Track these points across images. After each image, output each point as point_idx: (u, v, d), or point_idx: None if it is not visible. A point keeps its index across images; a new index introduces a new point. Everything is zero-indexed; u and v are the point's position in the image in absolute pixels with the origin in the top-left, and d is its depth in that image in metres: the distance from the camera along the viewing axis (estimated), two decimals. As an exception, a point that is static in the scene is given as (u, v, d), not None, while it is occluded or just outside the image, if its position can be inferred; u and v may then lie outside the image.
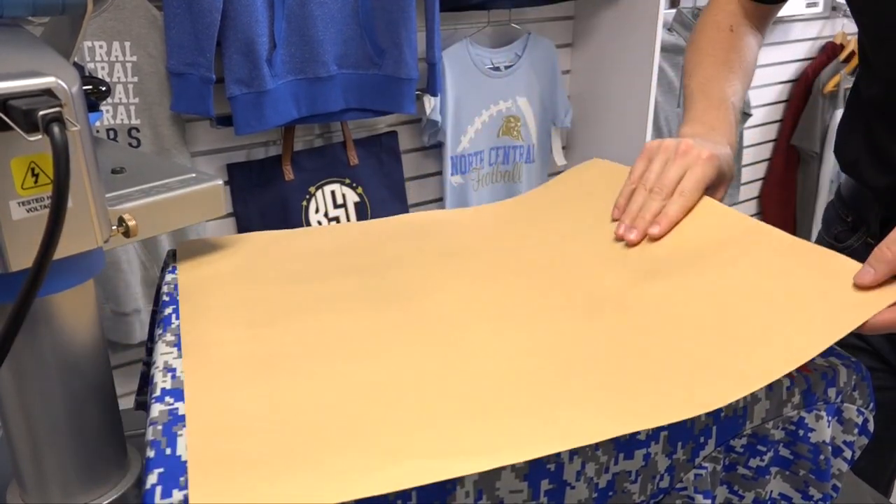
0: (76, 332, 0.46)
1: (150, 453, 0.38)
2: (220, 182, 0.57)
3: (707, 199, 0.60)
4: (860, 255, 0.74)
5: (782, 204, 2.34)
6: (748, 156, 2.23)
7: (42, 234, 0.35)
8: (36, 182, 0.39)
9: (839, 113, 1.91)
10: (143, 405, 0.69)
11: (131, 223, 0.48)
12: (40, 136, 0.36)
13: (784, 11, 2.05)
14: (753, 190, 2.34)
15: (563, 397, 0.43)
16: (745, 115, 2.04)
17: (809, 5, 2.11)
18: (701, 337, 0.47)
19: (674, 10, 1.82)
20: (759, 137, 2.29)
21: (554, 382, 0.44)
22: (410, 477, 0.36)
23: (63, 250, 0.41)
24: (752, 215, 2.65)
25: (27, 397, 0.46)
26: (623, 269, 0.57)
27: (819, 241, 0.84)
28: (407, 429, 0.40)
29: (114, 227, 0.48)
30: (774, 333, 0.45)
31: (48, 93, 0.38)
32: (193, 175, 0.58)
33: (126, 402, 0.64)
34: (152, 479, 0.36)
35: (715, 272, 0.52)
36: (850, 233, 0.79)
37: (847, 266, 0.48)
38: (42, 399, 0.46)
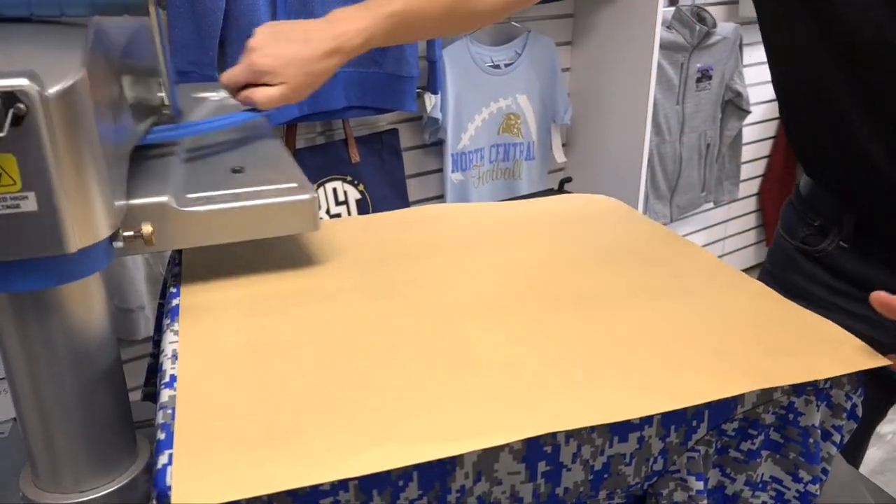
0: (87, 320, 0.48)
1: (161, 436, 0.40)
2: (311, 195, 0.56)
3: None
4: (835, 259, 0.74)
5: (781, 201, 2.35)
6: (747, 153, 2.24)
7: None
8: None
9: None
10: (149, 396, 0.70)
11: (146, 230, 0.48)
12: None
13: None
14: (753, 187, 2.36)
15: (549, 386, 0.45)
16: (745, 112, 2.05)
17: (808, 2, 2.11)
18: (686, 338, 0.51)
19: (672, 8, 1.83)
20: (757, 134, 2.30)
21: (540, 372, 0.46)
22: (393, 459, 0.38)
23: (26, 251, 0.41)
24: (751, 212, 2.64)
25: (40, 385, 0.47)
26: (616, 280, 0.59)
27: (780, 244, 0.81)
28: (392, 413, 0.42)
29: (129, 234, 0.48)
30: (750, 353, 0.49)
31: (10, 96, 0.37)
32: (294, 185, 0.57)
33: (132, 397, 0.65)
34: (163, 459, 0.38)
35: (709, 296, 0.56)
36: (819, 237, 0.76)
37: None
38: (54, 386, 0.47)
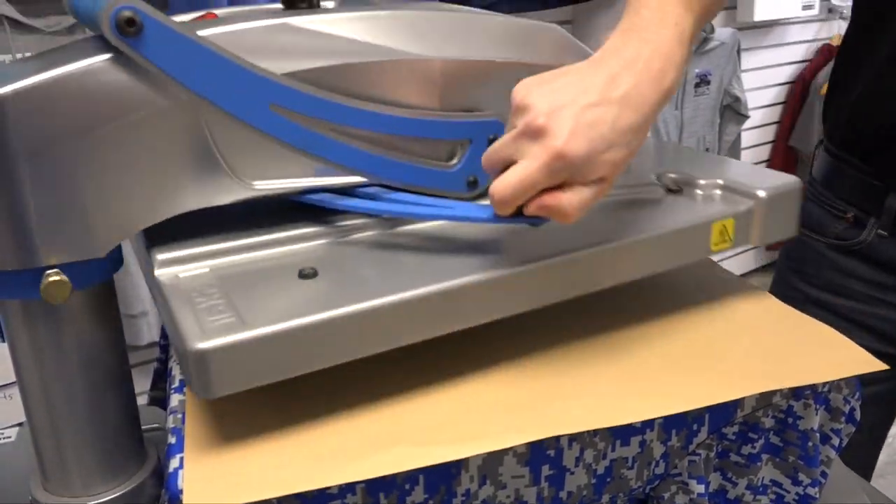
0: (98, 326, 0.48)
1: (172, 440, 0.40)
2: (746, 207, 0.53)
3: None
4: (874, 248, 0.72)
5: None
6: (746, 157, 2.25)
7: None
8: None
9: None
10: (156, 400, 0.71)
11: (53, 279, 0.42)
12: None
13: (780, 14, 2.08)
14: (752, 191, 2.36)
15: (552, 390, 0.46)
16: (743, 116, 2.06)
17: (805, 7, 2.13)
18: (685, 342, 0.52)
19: (671, 14, 1.84)
20: (756, 139, 2.31)
21: (542, 376, 0.47)
22: (400, 462, 0.39)
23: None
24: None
25: (50, 389, 0.48)
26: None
27: (806, 243, 0.79)
28: (399, 417, 0.43)
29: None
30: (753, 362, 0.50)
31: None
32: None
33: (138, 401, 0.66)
34: (174, 463, 0.39)
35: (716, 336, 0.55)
36: (856, 230, 0.74)
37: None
38: (64, 391, 0.48)
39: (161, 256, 0.45)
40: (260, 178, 0.46)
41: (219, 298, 0.41)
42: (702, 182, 0.57)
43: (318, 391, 0.45)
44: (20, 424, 0.88)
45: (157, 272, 0.44)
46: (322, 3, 0.57)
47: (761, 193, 0.54)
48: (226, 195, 0.45)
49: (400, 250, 0.48)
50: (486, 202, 0.43)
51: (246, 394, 0.44)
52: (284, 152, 0.46)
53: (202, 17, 0.52)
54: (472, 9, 0.57)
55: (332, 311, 0.39)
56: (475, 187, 0.52)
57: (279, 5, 0.52)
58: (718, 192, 0.56)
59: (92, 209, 0.42)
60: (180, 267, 0.45)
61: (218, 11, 0.54)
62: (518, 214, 0.42)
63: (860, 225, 0.74)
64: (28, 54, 1.14)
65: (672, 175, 0.58)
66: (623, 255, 0.49)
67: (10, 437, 0.72)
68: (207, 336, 0.37)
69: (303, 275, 0.44)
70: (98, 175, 0.42)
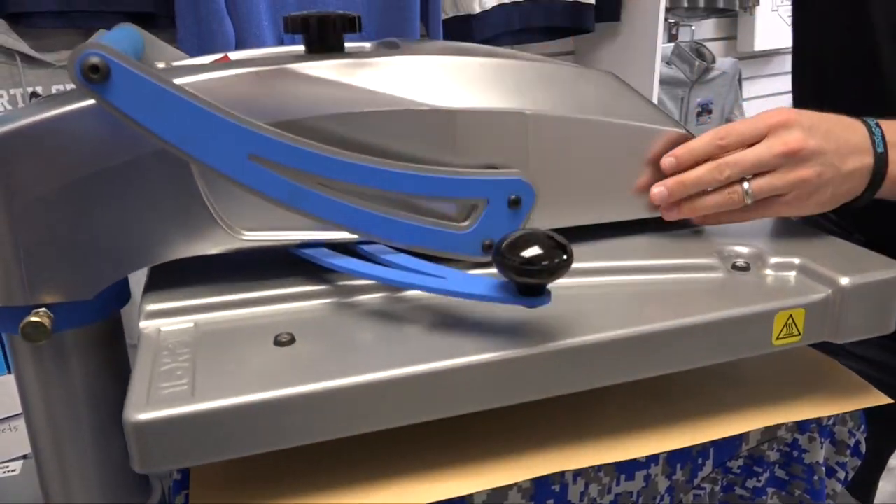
0: (104, 359, 0.49)
1: (177, 476, 0.41)
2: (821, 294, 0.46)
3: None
4: None
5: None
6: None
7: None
8: None
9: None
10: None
11: (32, 320, 0.42)
12: None
13: (781, 44, 2.11)
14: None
15: (557, 425, 0.46)
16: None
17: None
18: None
19: (672, 44, 1.87)
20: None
21: (546, 411, 0.47)
22: (405, 497, 0.39)
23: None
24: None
25: (56, 423, 0.48)
26: None
27: None
28: (403, 453, 0.43)
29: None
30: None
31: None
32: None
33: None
34: (179, 500, 0.39)
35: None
36: None
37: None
38: (70, 424, 0.48)
39: (149, 307, 0.45)
40: (250, 228, 0.45)
41: (184, 361, 0.40)
42: (773, 260, 0.49)
43: None
44: (25, 457, 0.87)
45: (142, 324, 0.44)
46: (358, 46, 0.55)
47: (844, 281, 0.46)
48: (214, 245, 0.45)
49: (393, 320, 0.44)
50: (482, 272, 0.41)
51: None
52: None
53: (218, 60, 0.52)
54: (508, 51, 0.55)
55: (285, 390, 0.37)
56: (491, 252, 0.45)
57: (302, 48, 0.51)
58: (793, 273, 0.48)
59: (78, 252, 0.42)
60: (165, 320, 0.44)
61: (235, 54, 0.54)
62: (520, 293, 0.39)
63: None
64: (38, 88, 1.16)
65: (739, 248, 0.51)
66: (659, 344, 0.42)
67: (14, 471, 0.72)
68: (149, 406, 0.36)
69: (278, 342, 0.42)
70: (83, 218, 0.42)
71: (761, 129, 0.49)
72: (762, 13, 2.00)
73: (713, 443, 0.47)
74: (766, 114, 0.49)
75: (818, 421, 0.49)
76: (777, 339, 0.45)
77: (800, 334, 0.45)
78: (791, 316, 0.45)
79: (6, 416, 1.19)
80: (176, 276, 0.49)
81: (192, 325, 0.44)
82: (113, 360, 0.49)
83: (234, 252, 0.46)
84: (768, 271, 0.49)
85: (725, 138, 0.49)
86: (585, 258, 0.49)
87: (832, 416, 0.50)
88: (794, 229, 0.56)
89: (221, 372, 0.38)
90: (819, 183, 0.49)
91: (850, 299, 0.46)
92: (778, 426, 0.48)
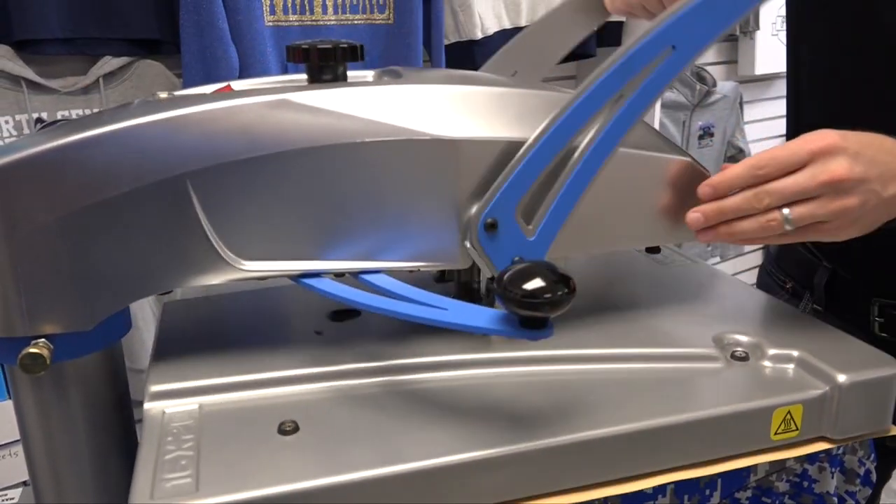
0: (104, 387, 0.48)
1: None
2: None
3: None
4: None
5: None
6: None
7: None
8: None
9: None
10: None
11: (30, 351, 0.42)
12: None
13: (781, 67, 2.12)
14: (758, 240, 2.36)
15: None
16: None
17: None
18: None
19: (673, 68, 1.88)
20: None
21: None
22: None
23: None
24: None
25: (55, 450, 0.47)
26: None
27: None
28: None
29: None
30: None
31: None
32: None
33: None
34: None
35: None
36: (794, 300, 0.74)
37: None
38: (69, 451, 0.48)
39: (154, 388, 0.45)
40: (251, 258, 0.45)
41: (188, 449, 0.40)
42: (772, 352, 0.49)
43: None
44: (25, 483, 0.87)
45: (146, 405, 0.44)
46: (360, 74, 0.56)
47: (842, 378, 0.46)
48: (214, 276, 0.45)
49: (395, 408, 0.44)
50: (484, 308, 0.41)
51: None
52: (277, 233, 0.45)
53: (220, 90, 0.52)
54: (511, 79, 0.55)
55: (288, 486, 0.37)
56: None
57: (305, 76, 0.52)
58: (791, 366, 0.48)
59: (78, 283, 0.42)
60: (170, 401, 0.45)
61: (237, 84, 0.54)
62: (523, 326, 0.38)
63: (797, 296, 0.74)
64: (43, 114, 1.17)
65: (738, 336, 0.51)
66: (657, 440, 0.43)
67: (13, 499, 0.72)
68: (153, 500, 0.36)
69: (282, 430, 0.42)
70: (84, 249, 0.42)
71: (803, 156, 0.47)
72: (762, 37, 2.01)
73: (721, 474, 0.46)
74: (809, 139, 0.47)
75: (828, 451, 0.48)
76: (775, 434, 0.45)
77: (798, 430, 0.46)
78: (789, 412, 0.45)
79: (6, 441, 1.19)
80: (182, 349, 0.50)
81: (196, 406, 0.44)
82: (113, 388, 0.49)
83: (234, 282, 0.46)
84: (766, 362, 0.49)
85: (764, 168, 0.47)
86: (584, 344, 0.50)
87: (841, 445, 0.49)
88: (792, 317, 0.56)
89: (225, 464, 0.39)
90: (862, 212, 0.47)
91: (848, 397, 0.46)
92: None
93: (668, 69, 0.45)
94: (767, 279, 0.78)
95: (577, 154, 0.46)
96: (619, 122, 0.46)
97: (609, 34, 1.60)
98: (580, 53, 1.57)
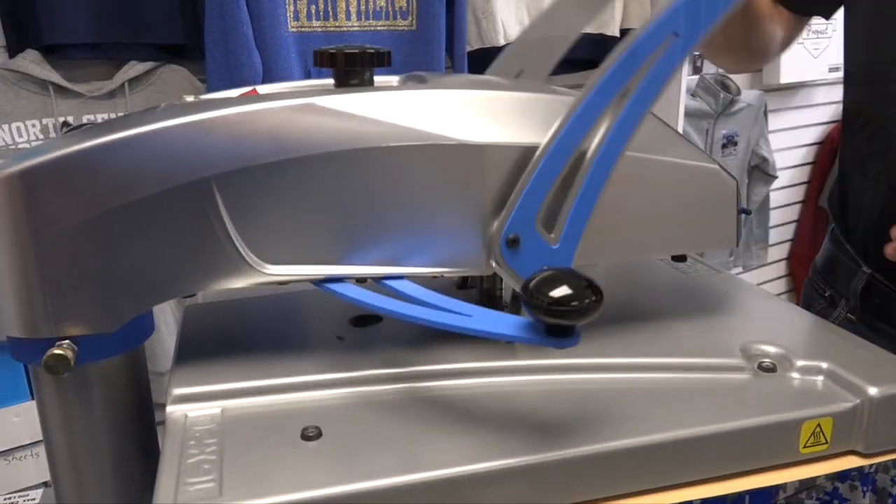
0: (127, 388, 0.48)
1: None
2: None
3: None
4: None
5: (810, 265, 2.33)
6: (775, 217, 2.23)
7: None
8: None
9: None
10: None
11: (55, 352, 0.42)
12: None
13: (807, 76, 2.09)
14: (782, 251, 2.34)
15: None
16: (771, 177, 2.06)
17: (832, 70, 2.15)
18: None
19: (696, 77, 1.86)
20: (785, 199, 2.29)
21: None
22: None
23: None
24: (781, 277, 2.60)
25: (77, 452, 0.48)
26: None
27: None
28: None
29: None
30: None
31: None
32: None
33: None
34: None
35: None
36: (830, 309, 0.74)
37: None
38: (91, 453, 0.48)
39: (177, 391, 0.45)
40: (274, 262, 0.45)
41: (212, 453, 0.40)
42: (800, 363, 0.48)
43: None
44: (46, 484, 0.87)
45: (169, 409, 0.44)
46: (385, 80, 0.55)
47: (872, 391, 0.44)
48: (238, 279, 0.45)
49: (418, 414, 0.43)
50: (509, 315, 0.40)
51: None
52: (301, 237, 0.45)
53: (246, 93, 0.52)
54: (535, 83, 0.54)
55: (311, 493, 0.37)
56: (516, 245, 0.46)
57: (330, 81, 0.51)
58: (820, 378, 0.47)
59: (103, 285, 0.42)
60: (192, 405, 0.44)
61: (263, 88, 0.54)
62: (549, 334, 0.37)
63: (833, 304, 0.74)
64: (70, 118, 1.19)
65: (766, 347, 0.50)
66: (684, 452, 0.42)
67: (34, 500, 0.72)
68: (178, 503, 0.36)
69: (305, 436, 0.41)
70: (108, 251, 0.42)
71: None
72: (788, 46, 2.00)
73: (749, 490, 0.45)
74: None
75: (859, 469, 0.47)
76: (804, 447, 0.44)
77: (827, 443, 0.44)
78: (819, 425, 0.44)
79: (28, 442, 1.20)
80: (204, 352, 0.50)
81: (218, 411, 0.44)
82: (135, 391, 0.49)
83: (258, 287, 0.45)
84: (795, 374, 0.48)
85: None
86: (608, 353, 0.49)
87: (873, 463, 0.48)
88: (821, 328, 0.55)
89: (249, 468, 0.39)
90: None
91: (879, 410, 0.44)
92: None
93: (673, 56, 0.45)
94: (809, 288, 0.79)
95: (589, 154, 0.45)
96: (628, 117, 0.45)
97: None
98: (601, 60, 1.56)
